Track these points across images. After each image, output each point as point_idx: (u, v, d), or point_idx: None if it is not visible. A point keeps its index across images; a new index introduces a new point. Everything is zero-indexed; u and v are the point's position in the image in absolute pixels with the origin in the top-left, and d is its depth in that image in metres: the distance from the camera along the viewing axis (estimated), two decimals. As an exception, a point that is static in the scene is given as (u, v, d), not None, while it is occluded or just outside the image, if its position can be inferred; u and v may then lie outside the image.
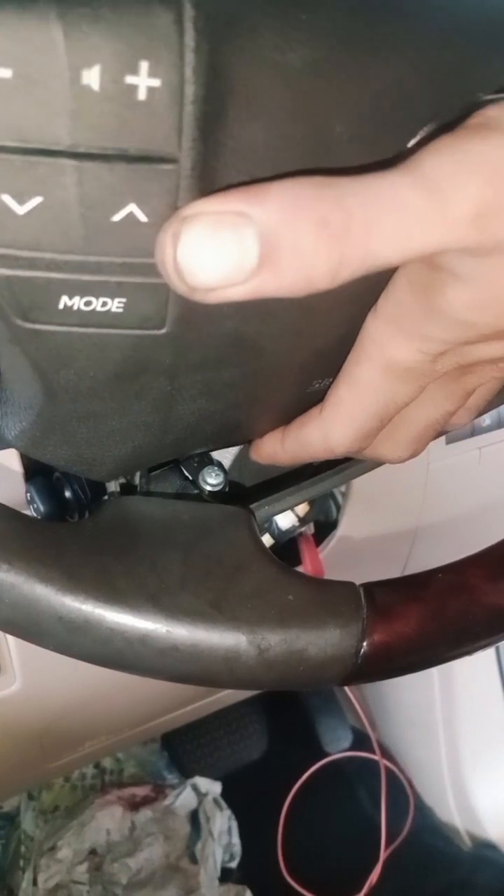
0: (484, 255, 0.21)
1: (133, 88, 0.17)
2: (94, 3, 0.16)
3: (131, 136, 0.17)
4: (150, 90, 0.17)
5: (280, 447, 0.32)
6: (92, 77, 0.16)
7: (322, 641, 0.26)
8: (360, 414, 0.28)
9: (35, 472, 0.41)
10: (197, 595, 0.26)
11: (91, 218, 0.19)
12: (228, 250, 0.18)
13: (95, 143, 0.17)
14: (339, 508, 0.59)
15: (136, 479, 0.34)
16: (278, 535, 0.48)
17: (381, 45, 0.20)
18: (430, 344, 0.24)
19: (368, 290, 0.25)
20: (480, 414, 0.33)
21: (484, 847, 1.08)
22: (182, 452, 0.34)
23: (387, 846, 0.90)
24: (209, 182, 0.19)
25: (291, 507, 0.41)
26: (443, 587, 0.28)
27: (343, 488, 0.58)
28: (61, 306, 0.21)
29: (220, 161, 0.19)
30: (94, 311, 0.21)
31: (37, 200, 0.18)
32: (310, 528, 0.53)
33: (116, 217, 0.19)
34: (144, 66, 0.16)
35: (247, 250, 0.18)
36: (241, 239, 0.18)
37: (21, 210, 0.18)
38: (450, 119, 0.21)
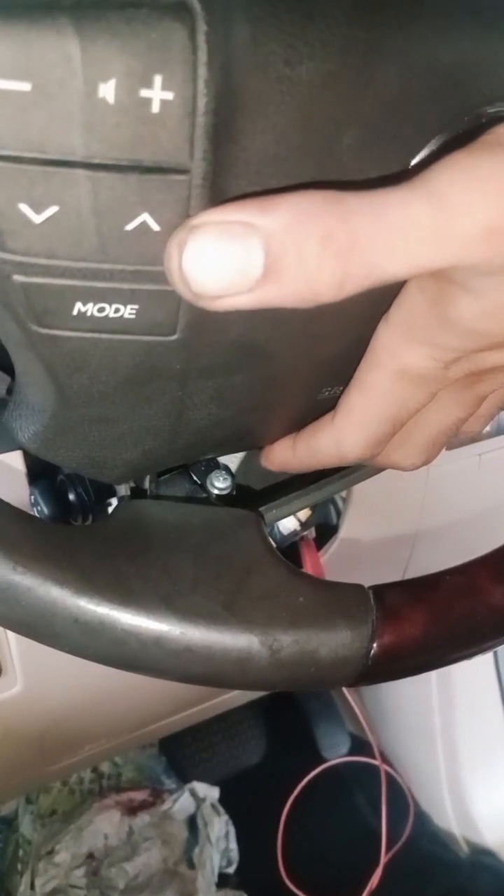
0: (493, 273, 0.21)
1: (147, 101, 0.17)
2: (110, 19, 0.16)
3: (145, 148, 0.18)
4: (164, 103, 0.17)
5: (291, 454, 0.33)
6: (107, 90, 0.17)
7: (333, 643, 0.26)
8: (372, 420, 0.28)
9: (39, 474, 0.41)
10: (209, 597, 0.26)
11: (105, 227, 0.19)
12: (233, 260, 0.18)
13: (110, 154, 0.18)
14: (339, 513, 0.59)
15: (146, 483, 0.35)
16: (280, 539, 0.49)
17: (387, 58, 0.20)
18: (441, 352, 0.25)
19: (377, 298, 0.25)
20: (492, 419, 0.33)
21: (481, 854, 1.08)
22: (192, 457, 0.34)
23: (386, 852, 0.90)
24: (220, 192, 0.19)
25: (297, 511, 0.42)
26: (450, 589, 0.29)
27: (344, 493, 0.58)
28: (75, 312, 0.21)
29: (230, 171, 0.19)
30: (107, 317, 0.22)
31: (53, 210, 0.18)
32: (311, 533, 0.53)
33: (130, 226, 0.19)
34: (158, 79, 0.17)
35: (251, 260, 0.18)
36: (247, 249, 0.18)
37: (37, 219, 0.19)
38: (458, 131, 0.22)
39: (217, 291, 0.19)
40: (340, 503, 0.59)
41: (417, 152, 0.22)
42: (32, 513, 0.41)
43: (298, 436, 0.32)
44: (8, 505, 0.26)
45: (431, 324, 0.24)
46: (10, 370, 0.28)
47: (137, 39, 0.16)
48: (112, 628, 0.25)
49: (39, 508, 0.41)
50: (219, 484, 0.35)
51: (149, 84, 0.17)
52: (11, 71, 0.16)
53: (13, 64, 0.16)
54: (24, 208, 0.18)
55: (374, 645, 0.27)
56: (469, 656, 0.29)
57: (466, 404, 0.29)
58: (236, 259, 0.18)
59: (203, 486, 0.35)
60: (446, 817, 1.10)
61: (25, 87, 0.16)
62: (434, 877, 1.07)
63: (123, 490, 0.35)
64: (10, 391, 0.29)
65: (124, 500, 0.34)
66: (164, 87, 0.17)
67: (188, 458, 0.34)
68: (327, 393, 0.30)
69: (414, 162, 0.22)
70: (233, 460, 0.37)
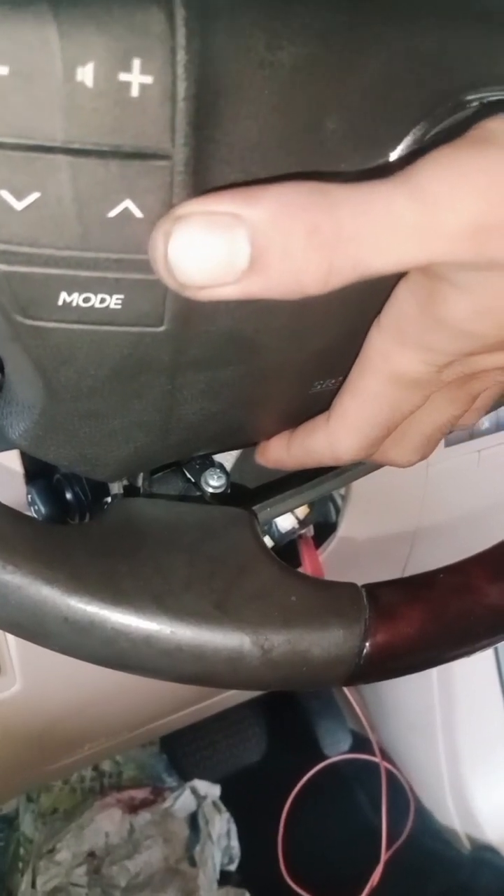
0: (479, 269, 0.21)
1: (126, 85, 0.17)
2: (88, 2, 0.16)
3: (125, 133, 0.18)
4: (143, 87, 0.17)
5: (286, 453, 0.33)
6: (86, 74, 0.16)
7: (325, 642, 0.26)
8: (366, 423, 0.28)
9: (36, 474, 0.41)
10: (201, 596, 0.26)
11: (87, 214, 0.19)
12: (219, 250, 0.18)
13: (90, 139, 0.18)
14: (338, 511, 0.59)
15: (139, 482, 0.34)
16: (278, 537, 0.48)
17: (369, 42, 0.20)
18: (434, 355, 0.25)
19: (368, 291, 0.25)
20: (487, 413, 0.33)
21: (483, 850, 1.08)
22: (185, 454, 0.34)
23: (387, 849, 0.90)
24: (203, 178, 0.19)
25: (292, 510, 0.41)
26: (445, 588, 0.28)
27: (342, 491, 0.58)
28: (60, 302, 0.21)
29: (213, 157, 0.19)
30: (92, 307, 0.21)
31: (34, 196, 0.18)
32: (309, 531, 0.53)
33: (112, 213, 0.19)
34: (137, 63, 0.17)
35: (237, 251, 0.18)
36: (232, 240, 0.18)
37: (19, 206, 0.18)
38: (441, 117, 0.22)
39: (203, 282, 0.19)
40: (339, 501, 0.59)
41: (401, 139, 0.22)
42: (29, 512, 0.41)
43: (293, 435, 0.32)
44: (0, 504, 0.26)
45: (423, 326, 0.24)
46: (1, 367, 0.28)
47: (115, 22, 0.16)
48: (102, 627, 0.25)
49: (36, 508, 0.41)
50: (213, 482, 0.35)
51: (127, 68, 0.17)
52: None
53: None
54: (5, 195, 0.18)
55: (367, 644, 0.27)
56: (464, 655, 0.29)
57: (460, 402, 0.29)
58: (222, 250, 0.18)
59: (197, 485, 0.35)
60: (448, 814, 1.10)
61: (3, 71, 0.16)
62: (435, 874, 1.07)
63: (117, 488, 0.35)
64: (1, 387, 0.29)
65: (117, 498, 0.34)
66: (143, 71, 0.17)
67: (181, 455, 0.34)
68: (319, 387, 0.30)
69: (398, 148, 0.22)
70: (228, 458, 0.37)
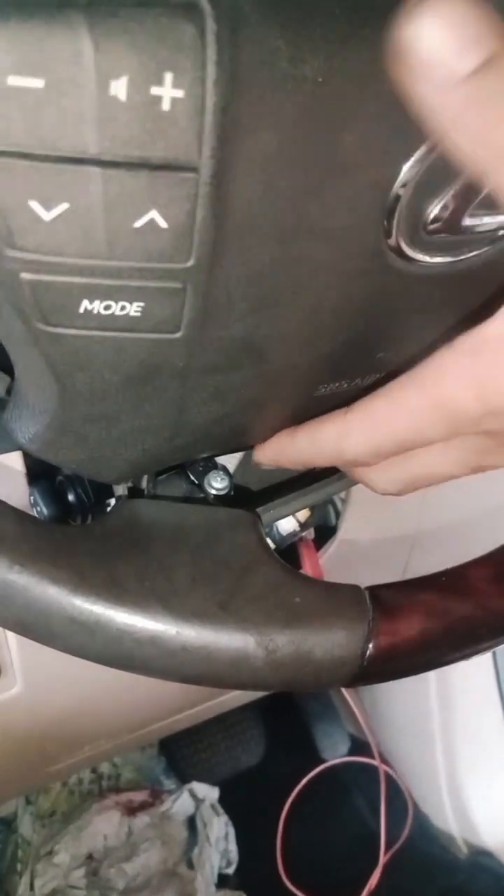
0: None
1: (158, 99, 0.17)
2: (123, 17, 0.16)
3: (155, 145, 0.18)
4: (174, 101, 0.17)
5: (290, 442, 0.32)
6: (119, 88, 0.17)
7: (329, 643, 0.26)
8: (385, 430, 0.27)
9: (38, 475, 0.41)
10: (205, 597, 0.26)
11: (114, 224, 0.19)
12: (462, 42, 0.16)
13: (121, 151, 0.18)
14: (338, 514, 0.59)
15: (144, 483, 0.35)
16: (279, 539, 0.49)
17: (385, 54, 0.20)
18: (494, 398, 0.23)
19: (376, 297, 0.25)
20: None
21: (480, 854, 1.08)
22: (190, 456, 0.34)
23: (385, 852, 0.90)
24: (226, 189, 0.20)
25: (294, 512, 0.42)
26: (447, 590, 0.29)
27: (343, 494, 0.58)
28: (82, 310, 0.21)
29: (236, 169, 0.19)
30: (113, 314, 0.22)
31: (63, 207, 0.19)
32: (310, 533, 0.53)
33: (138, 223, 0.19)
34: (169, 77, 0.17)
35: (472, 56, 0.17)
36: (474, 41, 0.16)
37: (48, 216, 0.19)
38: None
39: (427, 60, 0.17)
40: (339, 504, 0.59)
41: (414, 151, 0.22)
42: (32, 513, 0.41)
43: (302, 425, 0.31)
44: (6, 504, 0.26)
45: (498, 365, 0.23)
46: (9, 370, 0.28)
47: (149, 37, 0.16)
48: (108, 627, 0.25)
49: (39, 509, 0.41)
50: (216, 484, 0.35)
51: (160, 82, 0.17)
52: (25, 68, 0.16)
53: (27, 61, 0.16)
54: (35, 205, 0.18)
55: (370, 646, 0.27)
56: (465, 657, 0.29)
57: (466, 468, 0.28)
58: (465, 43, 0.16)
59: (201, 487, 0.35)
60: (445, 818, 1.10)
61: (39, 83, 0.16)
62: (433, 877, 1.07)
63: (121, 490, 0.35)
64: (9, 391, 0.29)
65: (122, 499, 0.35)
66: (175, 85, 0.17)
67: (187, 457, 0.34)
68: (323, 390, 0.30)
69: (411, 159, 0.22)
70: (231, 461, 0.37)
